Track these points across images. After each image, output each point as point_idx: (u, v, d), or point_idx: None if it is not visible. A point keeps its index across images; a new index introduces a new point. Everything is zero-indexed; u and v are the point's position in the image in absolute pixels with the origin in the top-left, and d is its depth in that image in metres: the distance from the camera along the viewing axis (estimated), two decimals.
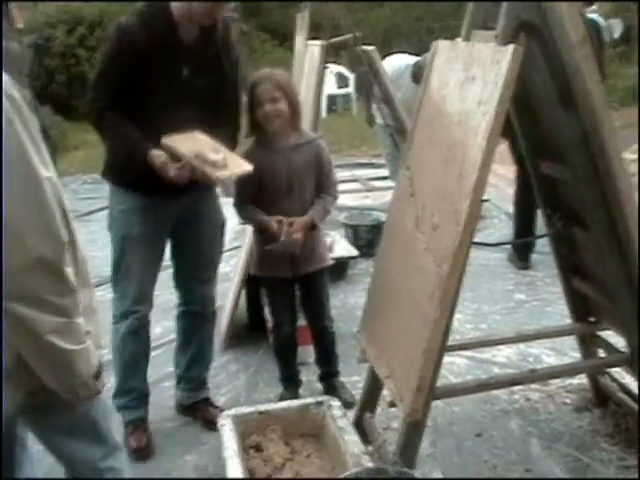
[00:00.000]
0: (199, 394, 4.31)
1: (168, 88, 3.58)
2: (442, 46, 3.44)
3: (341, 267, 6.24)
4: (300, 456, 3.56)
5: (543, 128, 3.47)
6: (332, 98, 17.44)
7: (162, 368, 4.54)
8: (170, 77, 3.58)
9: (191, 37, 3.62)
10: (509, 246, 6.91)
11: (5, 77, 2.00)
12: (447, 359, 3.32)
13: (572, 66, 2.94)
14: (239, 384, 4.69)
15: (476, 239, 3.09)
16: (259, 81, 3.88)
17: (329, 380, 4.41)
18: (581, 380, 4.33)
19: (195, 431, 4.12)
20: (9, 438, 2.47)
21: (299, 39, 11.54)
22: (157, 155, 3.46)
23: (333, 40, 7.19)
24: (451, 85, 3.20)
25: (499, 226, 7.98)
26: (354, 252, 6.48)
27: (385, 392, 3.66)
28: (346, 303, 5.80)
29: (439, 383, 3.26)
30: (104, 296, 4.61)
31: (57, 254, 2.03)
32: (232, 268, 6.30)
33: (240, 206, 4.04)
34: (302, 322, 4.67)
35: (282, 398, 4.22)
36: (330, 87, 16.18)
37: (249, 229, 5.30)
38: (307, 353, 4.60)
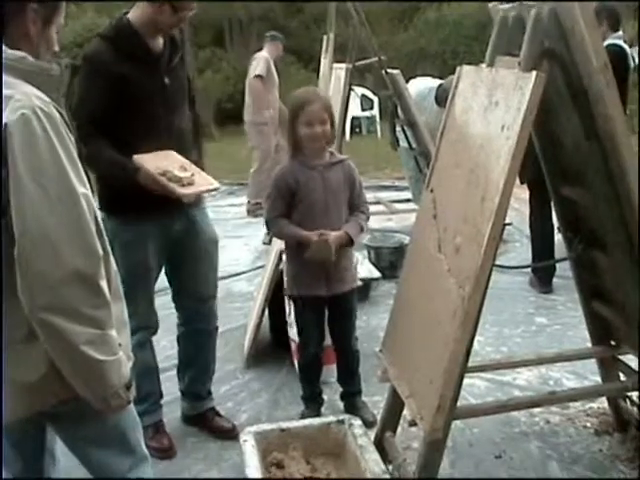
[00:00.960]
0: (204, 404, 4.39)
1: (158, 100, 3.71)
2: (466, 71, 3.49)
3: (364, 288, 6.27)
4: (320, 474, 3.59)
5: (564, 152, 3.50)
6: (356, 120, 17.54)
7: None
8: (155, 89, 3.71)
9: (159, 46, 3.76)
10: (530, 270, 6.91)
11: (44, 96, 2.08)
12: (467, 381, 3.35)
13: (594, 92, 2.98)
14: (261, 402, 4.72)
15: (498, 262, 3.12)
16: (309, 101, 3.91)
17: (351, 399, 4.43)
18: (601, 404, 4.33)
19: (216, 447, 4.16)
20: (39, 447, 2.53)
21: (324, 62, 11.63)
22: (147, 173, 3.56)
23: (358, 63, 7.26)
24: (475, 109, 3.25)
25: (521, 250, 7.96)
26: (377, 274, 6.49)
27: (406, 412, 3.69)
28: (369, 324, 5.82)
29: (459, 404, 3.30)
30: None
31: (93, 267, 2.10)
32: (255, 287, 6.36)
33: (273, 221, 4.03)
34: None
35: (303, 416, 4.25)
36: (354, 109, 16.27)
37: (274, 249, 5.37)
38: (329, 372, 4.64)
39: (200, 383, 4.35)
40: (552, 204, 3.97)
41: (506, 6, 3.37)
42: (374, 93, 16.50)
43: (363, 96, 16.84)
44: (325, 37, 11.92)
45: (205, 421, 4.34)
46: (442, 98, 7.32)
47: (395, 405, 3.72)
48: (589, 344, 4.16)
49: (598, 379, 4.27)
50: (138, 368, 3.96)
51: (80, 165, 2.15)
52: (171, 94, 3.77)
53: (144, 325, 3.90)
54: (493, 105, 3.07)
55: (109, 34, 3.71)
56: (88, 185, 2.17)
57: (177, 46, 3.84)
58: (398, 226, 8.73)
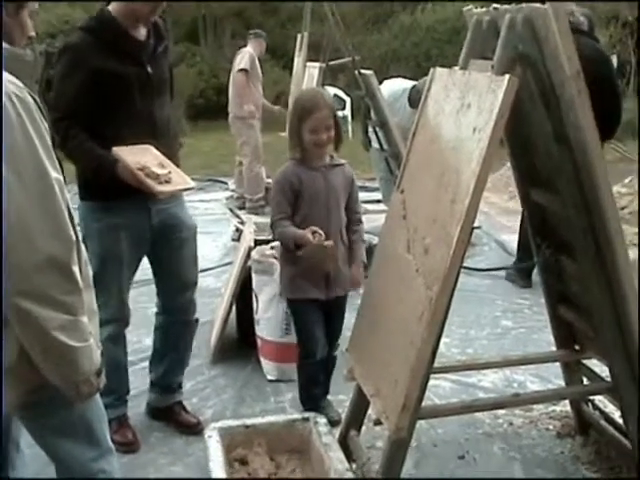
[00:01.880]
0: (173, 397, 4.37)
1: (138, 89, 3.69)
2: (439, 73, 3.51)
3: None
4: (284, 471, 3.61)
5: (535, 157, 3.53)
6: None
7: (146, 380, 4.49)
8: (138, 79, 3.70)
9: (142, 36, 3.76)
10: (506, 266, 7.07)
11: (18, 82, 2.08)
12: (432, 382, 3.37)
13: (566, 99, 3.02)
14: (226, 397, 4.71)
15: (465, 265, 3.14)
16: (316, 107, 3.84)
17: None
18: (564, 407, 4.38)
19: (181, 442, 4.15)
20: (4, 436, 2.52)
21: (298, 60, 11.63)
22: (125, 166, 3.56)
23: (332, 62, 7.28)
24: (447, 112, 3.27)
25: (489, 254, 8.05)
26: None
27: (370, 410, 3.71)
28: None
29: (424, 404, 3.32)
30: None
31: (66, 253, 2.10)
32: (223, 283, 6.35)
33: (277, 223, 3.92)
34: (286, 339, 4.78)
35: None
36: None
37: (242, 245, 5.37)
38: (293, 370, 4.66)
39: (173, 375, 4.33)
40: None
41: (480, 10, 3.39)
42: (346, 93, 16.52)
43: (335, 96, 16.81)
44: (299, 35, 11.94)
45: (172, 415, 4.32)
46: (415, 100, 7.34)
47: (360, 404, 3.74)
48: (553, 348, 4.20)
49: (561, 382, 4.31)
50: (107, 362, 3.97)
51: (53, 151, 2.15)
52: (155, 83, 3.76)
53: (116, 317, 3.90)
54: (465, 107, 3.09)
55: (90, 26, 3.70)
56: (60, 171, 2.17)
57: (162, 36, 3.85)
58: (368, 227, 8.66)
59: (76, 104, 3.59)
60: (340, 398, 4.44)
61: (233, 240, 8.18)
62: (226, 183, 11.30)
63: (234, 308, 5.27)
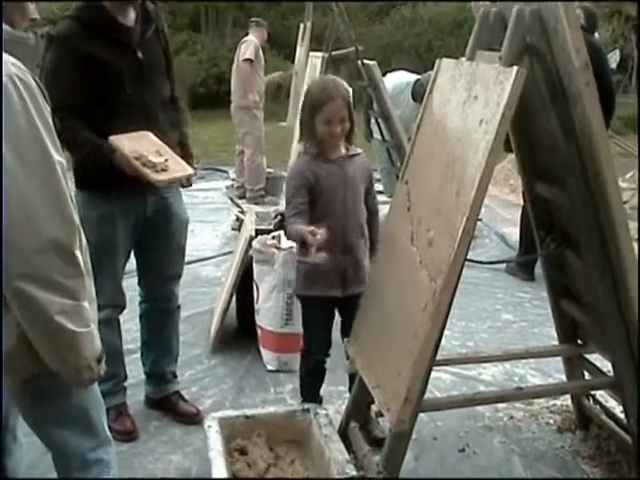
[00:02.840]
0: (169, 387, 4.36)
1: (129, 75, 3.66)
2: (445, 64, 3.49)
3: None
4: (284, 462, 3.58)
5: (540, 150, 3.52)
6: None
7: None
8: (128, 64, 3.67)
9: (130, 21, 3.72)
10: (508, 259, 7.14)
11: (20, 64, 2.05)
12: (433, 374, 3.35)
13: (573, 92, 2.99)
14: (225, 388, 4.70)
15: (467, 258, 3.12)
16: (330, 98, 3.65)
17: None
18: (565, 401, 4.37)
19: (180, 432, 4.14)
20: (2, 424, 2.51)
21: (300, 49, 11.62)
22: (122, 155, 3.54)
23: (335, 52, 7.25)
24: (453, 103, 3.25)
25: (490, 246, 8.05)
26: None
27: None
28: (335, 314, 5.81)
29: (425, 397, 3.30)
30: None
31: (70, 237, 2.08)
32: (223, 273, 6.34)
33: (289, 220, 3.66)
34: (286, 329, 4.78)
35: None
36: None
37: (243, 235, 5.36)
38: (296, 360, 4.66)
39: (164, 364, 4.32)
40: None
41: (488, 2, 3.37)
42: (348, 84, 16.44)
43: None
44: (302, 25, 11.92)
45: (169, 405, 4.31)
46: (418, 94, 7.36)
47: (361, 396, 3.73)
48: (554, 342, 4.19)
49: (562, 377, 4.31)
50: (104, 346, 3.97)
51: (55, 133, 2.13)
52: (146, 68, 3.73)
53: (111, 303, 3.87)
54: (472, 99, 3.07)
55: (77, 13, 3.67)
56: (62, 153, 2.15)
57: (150, 19, 3.81)
58: None
59: (69, 94, 3.56)
60: (340, 389, 4.43)
61: (233, 229, 8.18)
62: (226, 172, 11.27)
63: (234, 298, 5.25)
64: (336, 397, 4.40)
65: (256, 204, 9.34)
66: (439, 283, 2.92)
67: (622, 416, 3.72)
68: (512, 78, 2.78)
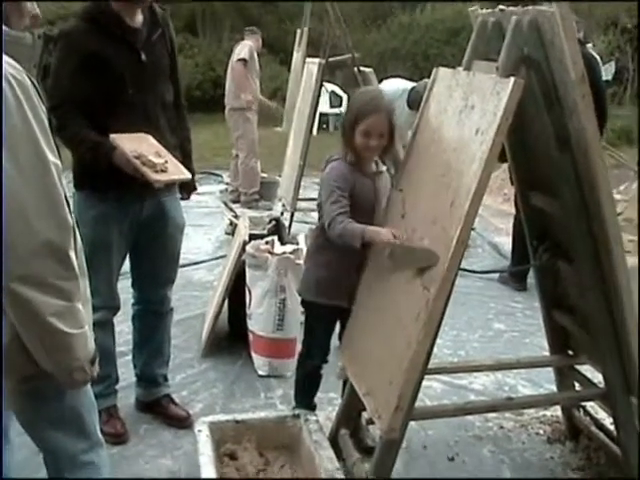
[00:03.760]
0: (160, 390, 4.35)
1: (131, 76, 3.66)
2: (442, 73, 3.50)
3: None
4: (273, 467, 3.59)
5: (535, 160, 3.53)
6: (324, 116, 17.50)
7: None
8: (131, 65, 3.67)
9: (137, 23, 3.73)
10: (501, 269, 7.19)
11: (16, 64, 2.05)
12: (424, 383, 3.34)
13: (569, 103, 3.01)
14: (216, 392, 4.69)
15: (460, 267, 3.12)
16: (374, 110, 3.58)
17: None
18: (555, 412, 4.37)
19: (170, 435, 4.13)
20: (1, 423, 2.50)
21: (297, 55, 11.61)
22: (122, 153, 3.53)
23: (332, 59, 7.25)
24: (449, 112, 3.26)
25: (483, 255, 8.06)
26: None
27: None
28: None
29: (416, 406, 3.30)
30: None
31: (63, 238, 2.08)
32: (215, 277, 6.34)
33: (339, 218, 3.52)
34: (278, 334, 4.79)
35: None
36: (323, 105, 16.25)
37: (236, 240, 5.35)
38: (286, 365, 4.65)
39: (155, 367, 4.31)
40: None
41: (486, 11, 3.37)
42: (343, 90, 16.47)
43: (332, 93, 16.80)
44: (299, 31, 11.92)
45: (160, 408, 4.30)
46: (414, 101, 7.35)
47: (352, 403, 3.73)
48: (545, 352, 4.20)
49: (553, 387, 4.31)
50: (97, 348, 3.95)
51: (51, 135, 2.12)
52: (149, 70, 3.72)
53: (105, 304, 3.87)
54: (469, 109, 3.07)
55: (85, 12, 3.68)
56: (57, 154, 2.14)
57: (158, 23, 3.81)
58: None
59: (72, 91, 3.58)
60: (331, 396, 4.43)
61: (226, 234, 8.17)
62: (221, 176, 11.28)
63: (226, 302, 5.25)
64: (327, 404, 4.39)
65: (250, 208, 9.34)
66: (432, 292, 2.92)
67: (612, 428, 3.72)
68: (509, 89, 2.79)
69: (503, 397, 3.99)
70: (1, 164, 1.94)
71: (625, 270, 3.20)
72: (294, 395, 4.13)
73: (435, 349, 3.28)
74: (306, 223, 7.94)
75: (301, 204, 7.81)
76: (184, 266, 6.55)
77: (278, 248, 4.96)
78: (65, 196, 2.17)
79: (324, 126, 17.77)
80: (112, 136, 3.56)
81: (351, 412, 3.83)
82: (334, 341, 3.97)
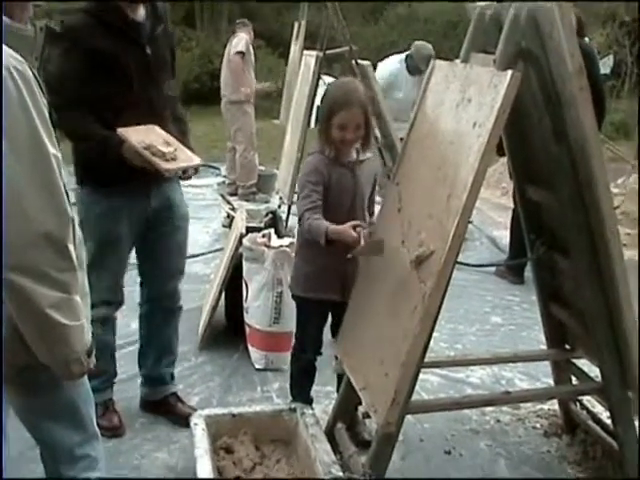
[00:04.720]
0: (168, 389, 4.32)
1: (136, 70, 3.64)
2: (439, 65, 3.49)
3: None
4: (270, 461, 3.58)
5: (532, 153, 3.52)
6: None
7: (134, 365, 4.44)
8: (136, 59, 3.65)
9: (140, 17, 3.71)
10: (498, 262, 7.20)
11: (18, 56, 2.04)
12: (421, 376, 3.34)
13: (566, 96, 3.00)
14: (213, 385, 4.69)
15: (457, 260, 3.11)
16: (347, 103, 3.58)
17: None
18: (552, 406, 4.37)
19: (167, 429, 4.12)
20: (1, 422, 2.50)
21: (294, 47, 11.59)
22: (131, 146, 3.51)
23: (329, 51, 7.23)
24: (446, 105, 3.25)
25: (480, 249, 8.06)
26: None
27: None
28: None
29: (413, 399, 3.30)
30: None
31: (63, 230, 2.08)
32: (212, 270, 6.33)
33: (307, 214, 3.58)
34: (275, 328, 4.79)
35: None
36: (320, 98, 16.19)
37: (233, 232, 5.34)
38: (283, 359, 4.65)
39: (163, 365, 4.27)
40: None
41: (483, 3, 3.36)
42: None
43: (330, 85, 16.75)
44: (296, 23, 11.90)
45: (167, 407, 4.26)
46: (414, 66, 7.80)
47: (348, 396, 3.72)
48: (542, 346, 4.20)
49: (550, 381, 4.32)
50: (96, 343, 3.92)
51: (51, 126, 2.12)
52: (153, 65, 3.71)
53: (110, 299, 3.88)
54: (466, 101, 3.06)
55: (89, 7, 3.66)
56: (58, 147, 2.14)
57: (160, 16, 3.80)
58: None
59: (77, 86, 3.55)
60: (328, 389, 4.42)
61: (224, 226, 8.15)
62: (218, 169, 11.26)
63: (223, 295, 5.24)
64: (323, 397, 4.39)
65: (247, 201, 9.33)
66: (429, 285, 2.92)
67: (608, 422, 3.72)
68: (506, 82, 2.79)
69: (500, 391, 3.98)
70: (1, 154, 1.94)
71: (622, 263, 3.19)
72: (290, 389, 4.13)
73: (432, 343, 3.28)
74: None
75: None
76: None
77: (275, 241, 4.95)
78: (65, 188, 2.17)
79: None
80: (119, 130, 3.53)
81: (348, 406, 3.83)
82: (327, 334, 3.97)
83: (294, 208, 7.72)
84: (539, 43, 3.01)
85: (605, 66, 14.73)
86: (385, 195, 3.70)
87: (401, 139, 4.51)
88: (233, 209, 7.54)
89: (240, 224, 5.27)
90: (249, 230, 5.17)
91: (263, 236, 5.01)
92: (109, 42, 3.57)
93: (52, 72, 3.57)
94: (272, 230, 5.16)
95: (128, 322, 4.44)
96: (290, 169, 7.47)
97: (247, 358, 4.98)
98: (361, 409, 3.88)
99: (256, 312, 4.88)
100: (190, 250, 4.23)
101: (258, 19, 22.51)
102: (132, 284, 4.18)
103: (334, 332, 3.94)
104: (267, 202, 9.18)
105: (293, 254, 4.55)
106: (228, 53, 9.82)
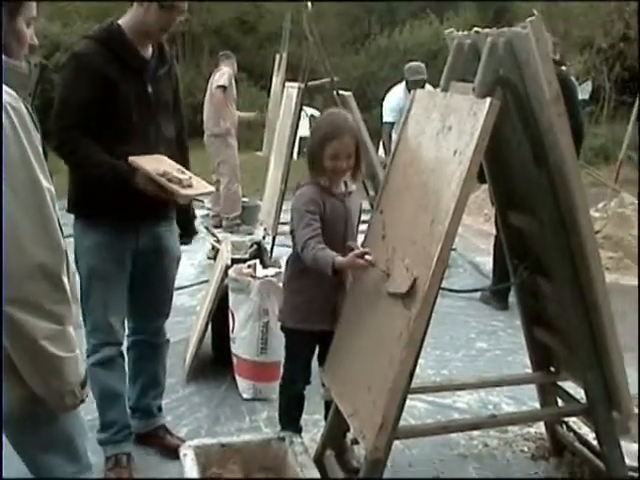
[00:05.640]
0: (156, 421, 4.29)
1: (136, 104, 3.63)
2: (420, 95, 3.55)
3: None
4: None
5: (513, 179, 3.57)
6: (304, 140, 17.44)
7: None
8: (137, 95, 3.64)
9: (147, 55, 3.71)
10: (482, 288, 7.28)
11: (12, 92, 2.08)
12: (408, 403, 3.37)
13: (545, 123, 3.05)
14: (201, 416, 4.69)
15: (441, 286, 3.14)
16: (339, 133, 3.60)
17: None
18: (539, 429, 4.39)
19: (155, 460, 4.12)
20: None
21: (276, 80, 11.66)
22: (144, 174, 3.48)
23: (311, 83, 7.29)
24: (427, 133, 3.30)
25: (464, 275, 8.10)
26: None
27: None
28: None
29: (400, 425, 3.32)
30: None
31: (57, 262, 2.11)
32: (198, 302, 6.33)
33: (309, 243, 3.52)
34: (262, 358, 4.80)
35: None
36: (303, 129, 16.24)
37: (219, 264, 5.36)
38: (272, 389, 4.65)
39: (151, 397, 4.23)
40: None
41: (462, 33, 3.42)
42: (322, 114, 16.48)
43: (312, 116, 16.80)
44: (278, 55, 11.98)
45: (156, 439, 4.23)
46: (410, 83, 8.28)
47: (337, 423, 3.73)
48: (527, 370, 4.22)
49: (536, 404, 4.33)
50: (100, 390, 3.82)
51: (44, 161, 2.15)
52: (153, 103, 3.69)
53: (105, 341, 3.82)
54: (446, 129, 3.12)
55: (100, 36, 3.62)
56: (51, 180, 2.17)
57: (165, 58, 3.79)
58: None
59: (82, 112, 3.51)
60: (316, 417, 4.42)
61: (209, 258, 8.15)
62: (202, 201, 11.28)
63: (210, 326, 5.25)
64: (312, 425, 4.39)
65: (232, 233, 9.36)
66: (414, 311, 2.95)
67: (595, 442, 3.74)
68: (485, 109, 2.84)
69: (486, 415, 3.99)
70: (1, 189, 1.98)
71: (603, 286, 3.24)
72: (279, 419, 4.11)
73: (418, 369, 3.30)
74: (287, 247, 7.88)
75: (282, 228, 7.82)
76: None
77: (260, 271, 4.97)
78: (58, 221, 2.20)
79: (304, 149, 17.72)
80: (131, 158, 3.51)
81: (336, 433, 3.83)
82: (314, 362, 3.98)
83: (278, 239, 7.77)
84: (517, 71, 3.07)
85: (584, 92, 14.91)
86: (369, 223, 3.74)
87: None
88: (218, 241, 7.56)
89: (225, 256, 5.30)
90: (234, 261, 5.18)
91: (249, 267, 5.03)
92: (114, 70, 3.55)
93: (59, 95, 3.57)
94: (257, 261, 5.19)
95: None
96: (274, 200, 7.51)
97: (235, 388, 4.98)
98: (349, 436, 3.89)
99: (243, 342, 4.89)
100: (176, 283, 4.25)
101: (239, 51, 22.65)
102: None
103: (321, 360, 3.93)
104: (251, 234, 9.21)
105: (280, 284, 4.58)
106: (210, 87, 9.87)
